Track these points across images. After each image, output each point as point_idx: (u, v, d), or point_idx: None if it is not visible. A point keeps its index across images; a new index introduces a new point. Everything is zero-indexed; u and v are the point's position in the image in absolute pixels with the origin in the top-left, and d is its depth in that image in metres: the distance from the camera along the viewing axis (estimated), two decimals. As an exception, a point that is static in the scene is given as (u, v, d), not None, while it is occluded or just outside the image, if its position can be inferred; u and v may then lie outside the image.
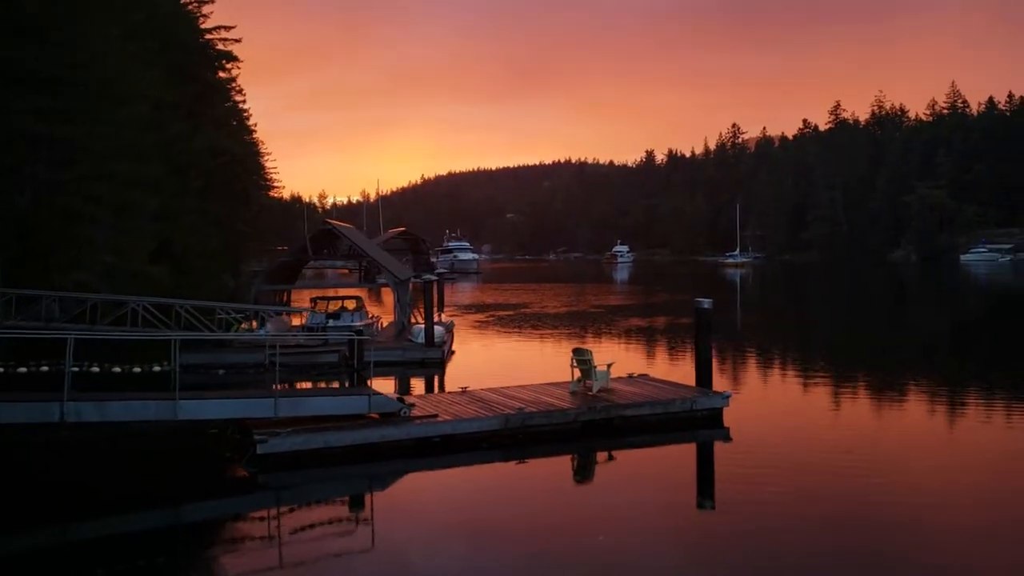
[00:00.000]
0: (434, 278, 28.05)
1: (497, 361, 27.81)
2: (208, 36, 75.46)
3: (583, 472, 14.96)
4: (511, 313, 47.28)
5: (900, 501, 12.41)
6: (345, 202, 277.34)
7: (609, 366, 18.12)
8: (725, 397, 17.36)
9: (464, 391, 17.91)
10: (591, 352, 17.72)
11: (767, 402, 20.44)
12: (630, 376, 19.60)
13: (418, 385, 23.25)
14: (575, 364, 17.90)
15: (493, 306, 53.89)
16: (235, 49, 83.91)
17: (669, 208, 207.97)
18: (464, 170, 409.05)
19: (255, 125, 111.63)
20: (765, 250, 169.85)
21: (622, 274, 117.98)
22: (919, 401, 20.21)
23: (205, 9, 72.38)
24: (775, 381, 23.92)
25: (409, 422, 14.98)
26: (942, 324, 42.69)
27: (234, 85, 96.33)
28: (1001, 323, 43.05)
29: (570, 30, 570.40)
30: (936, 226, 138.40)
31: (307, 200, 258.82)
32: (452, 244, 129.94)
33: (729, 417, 17.36)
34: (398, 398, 15.77)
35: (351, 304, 30.06)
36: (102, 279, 43.36)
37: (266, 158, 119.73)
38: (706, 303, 18.39)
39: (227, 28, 77.44)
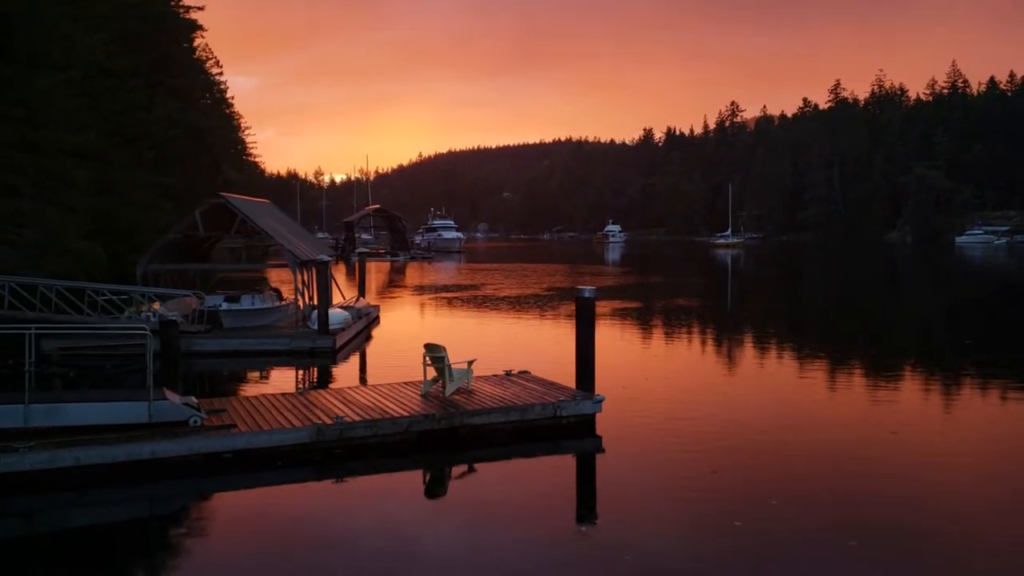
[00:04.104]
0: (327, 259, 25.36)
1: (402, 352, 25.21)
2: (172, 4, 72.85)
3: (416, 495, 12.19)
4: (459, 295, 44.75)
5: (776, 508, 10.03)
6: (344, 179, 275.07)
7: (470, 364, 15.56)
8: (597, 402, 14.78)
9: (300, 392, 15.45)
10: (445, 348, 15.13)
11: (656, 406, 16.97)
12: (507, 374, 17.03)
13: (269, 382, 20.48)
14: (428, 362, 15.35)
15: (447, 287, 51.42)
16: (201, 19, 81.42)
17: (666, 187, 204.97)
18: (463, 148, 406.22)
19: (232, 98, 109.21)
20: (762, 230, 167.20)
21: (612, 254, 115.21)
22: (828, 400, 17.61)
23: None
24: (678, 380, 20.68)
25: (197, 434, 12.45)
26: (924, 310, 40.06)
27: (204, 55, 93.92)
28: (986, 310, 40.41)
29: (571, 7, 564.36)
30: (932, 207, 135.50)
31: (303, 177, 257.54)
32: (436, 223, 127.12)
33: (605, 424, 14.82)
34: (193, 404, 13.22)
35: (255, 285, 27.55)
36: (27, 255, 40.82)
37: (245, 133, 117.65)
38: (588, 291, 15.77)
39: (189, -6, 74.78)
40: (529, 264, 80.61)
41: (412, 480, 12.93)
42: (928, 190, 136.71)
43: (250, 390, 19.02)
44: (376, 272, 70.15)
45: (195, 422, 12.70)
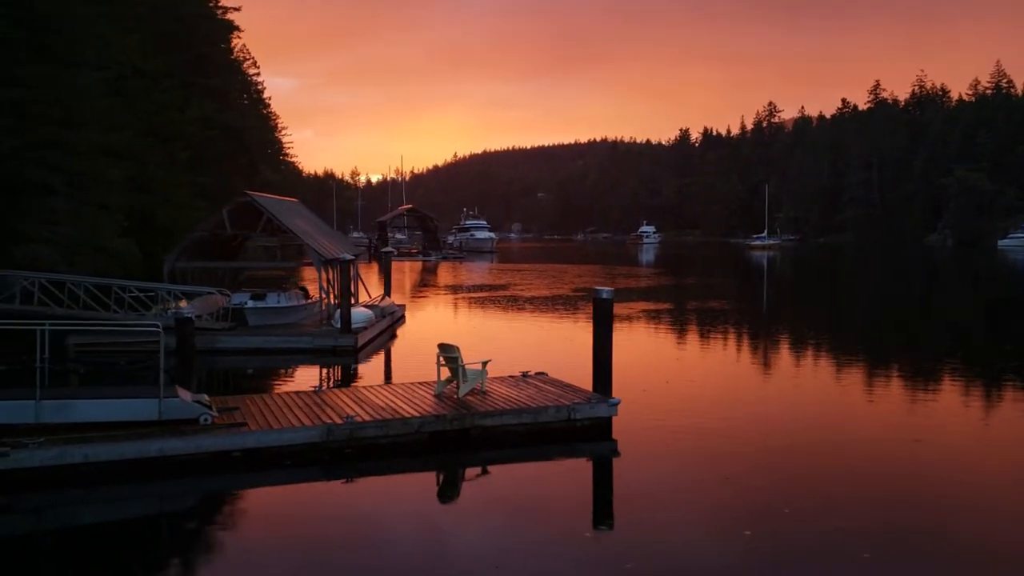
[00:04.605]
0: (350, 257, 25.37)
1: (424, 351, 25.03)
2: (207, 3, 73.55)
3: (427, 496, 11.98)
4: (487, 295, 44.67)
5: (807, 515, 9.84)
6: (380, 180, 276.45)
7: (485, 364, 15.41)
8: (612, 405, 14.55)
9: (315, 391, 15.38)
10: (459, 348, 14.99)
11: (675, 410, 16.62)
12: (523, 375, 16.84)
13: (286, 380, 20.54)
14: (442, 362, 15.22)
15: (476, 287, 51.35)
16: (241, 21, 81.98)
17: (702, 187, 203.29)
18: (498, 148, 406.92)
19: (269, 98, 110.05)
20: (799, 231, 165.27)
21: (646, 255, 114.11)
22: (853, 406, 17.18)
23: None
24: (700, 384, 20.14)
25: (206, 432, 12.42)
26: (961, 314, 39.23)
27: (241, 55, 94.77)
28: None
29: (607, 8, 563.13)
30: (974, 210, 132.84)
31: (339, 177, 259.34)
32: (469, 223, 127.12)
33: (621, 427, 14.58)
34: (205, 402, 13.20)
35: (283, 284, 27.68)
36: (62, 253, 41.36)
37: (282, 133, 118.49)
38: (606, 292, 15.55)
39: (225, -6, 75.40)
40: (561, 265, 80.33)
41: (423, 481, 12.78)
42: (970, 192, 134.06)
43: (268, 388, 19.02)
44: (408, 272, 70.39)
45: (205, 420, 12.67)
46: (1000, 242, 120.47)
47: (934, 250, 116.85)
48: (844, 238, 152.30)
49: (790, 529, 10.22)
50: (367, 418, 13.29)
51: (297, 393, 15.36)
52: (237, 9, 76.30)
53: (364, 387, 16.17)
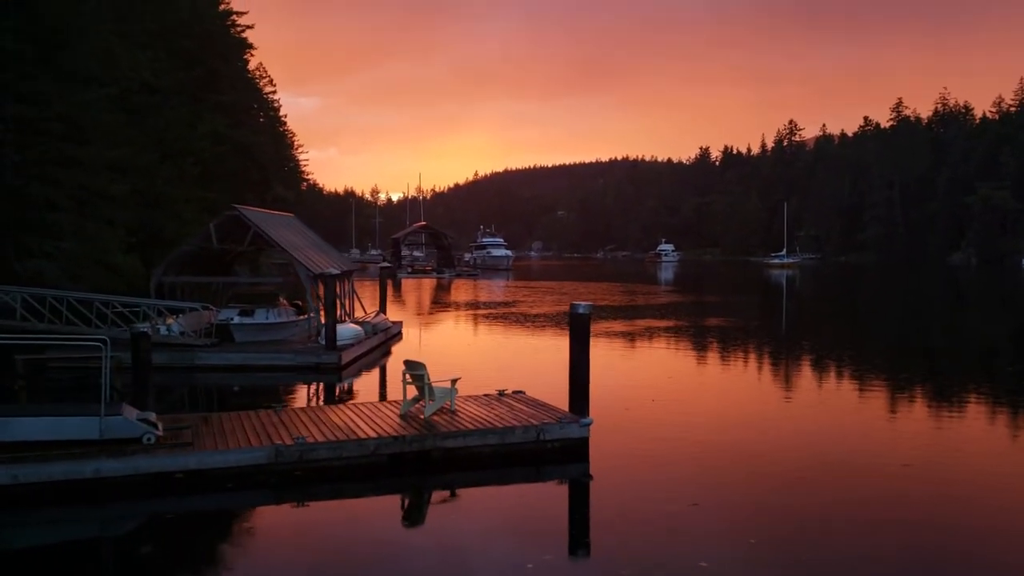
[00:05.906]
0: (336, 271, 24.75)
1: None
2: (222, 22, 73.81)
3: (381, 522, 11.18)
4: (492, 312, 43.96)
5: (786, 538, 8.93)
6: (400, 198, 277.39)
7: (454, 382, 14.67)
8: (584, 425, 13.76)
9: (276, 410, 14.71)
10: (425, 366, 14.27)
11: (655, 430, 15.80)
12: (499, 394, 16.10)
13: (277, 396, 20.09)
14: (408, 380, 14.50)
15: (484, 304, 50.65)
16: (265, 41, 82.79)
17: (722, 206, 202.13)
18: (520, 167, 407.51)
19: (285, 116, 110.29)
20: (821, 251, 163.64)
21: (664, 274, 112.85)
22: (845, 429, 16.23)
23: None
24: (688, 403, 19.26)
25: (145, 452, 11.75)
26: (974, 335, 38.03)
27: (258, 73, 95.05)
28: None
29: (628, 26, 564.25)
30: (998, 229, 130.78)
31: (360, 195, 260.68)
32: (486, 240, 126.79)
33: (595, 449, 13.77)
34: (151, 420, 12.54)
35: (268, 299, 27.12)
36: (65, 268, 41.08)
37: (298, 151, 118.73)
38: (582, 307, 14.77)
39: (239, 14, 75.82)
40: (576, 283, 79.53)
41: (379, 506, 12.03)
42: (993, 211, 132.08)
43: (240, 406, 18.33)
44: (420, 289, 69.92)
45: (148, 439, 12.02)
46: (1023, 261, 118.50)
47: (958, 269, 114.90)
48: (865, 257, 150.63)
49: (750, 562, 9.37)
50: (320, 439, 12.58)
51: (255, 412, 14.67)
52: (251, 26, 76.60)
53: (327, 406, 15.49)
